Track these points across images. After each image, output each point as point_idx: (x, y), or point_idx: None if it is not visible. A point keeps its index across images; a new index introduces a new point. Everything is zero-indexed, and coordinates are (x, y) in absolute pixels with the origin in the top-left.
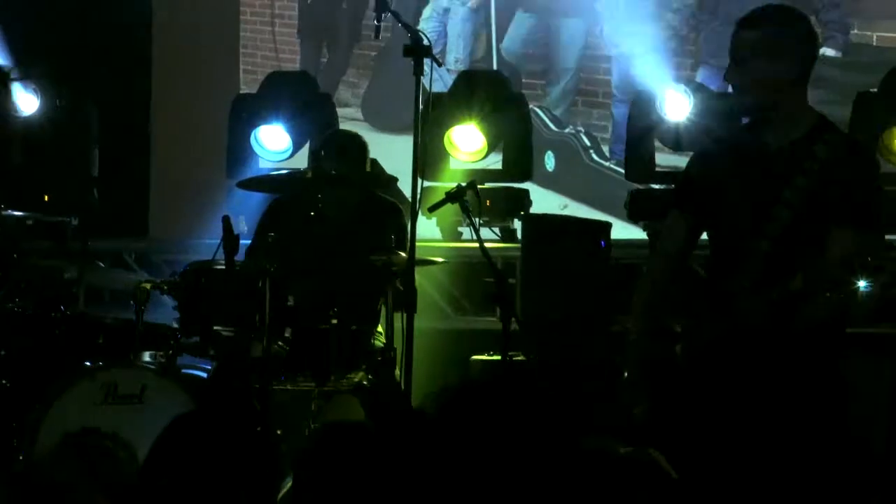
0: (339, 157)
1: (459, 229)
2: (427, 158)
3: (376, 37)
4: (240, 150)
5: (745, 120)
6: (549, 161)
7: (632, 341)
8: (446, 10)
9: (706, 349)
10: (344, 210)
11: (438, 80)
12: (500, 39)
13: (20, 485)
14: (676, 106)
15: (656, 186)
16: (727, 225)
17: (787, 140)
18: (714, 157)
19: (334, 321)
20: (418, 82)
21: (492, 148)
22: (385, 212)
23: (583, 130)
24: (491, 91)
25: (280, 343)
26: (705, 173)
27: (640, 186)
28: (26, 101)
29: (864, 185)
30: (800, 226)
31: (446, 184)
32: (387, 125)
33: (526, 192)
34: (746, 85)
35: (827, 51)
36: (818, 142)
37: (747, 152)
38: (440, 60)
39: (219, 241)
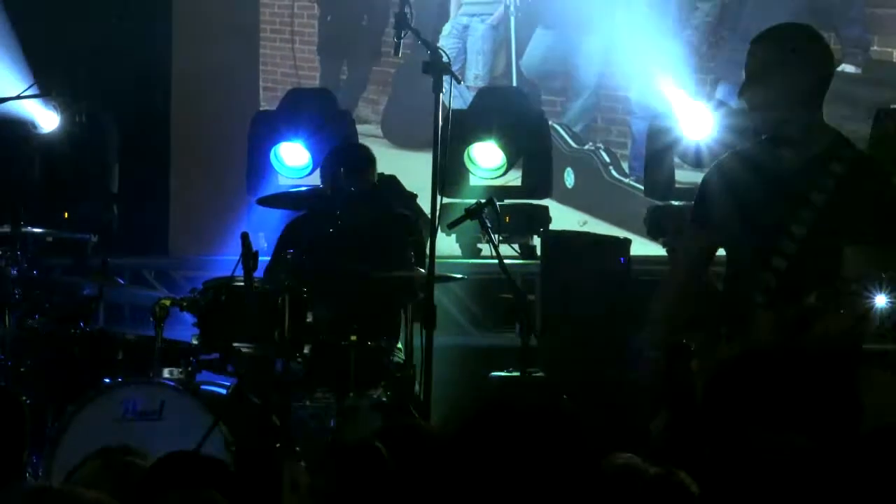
0: (351, 171)
1: (479, 246)
2: (446, 175)
3: (396, 54)
4: (259, 166)
5: (763, 136)
6: (569, 177)
7: (648, 357)
8: (466, 27)
9: (721, 366)
10: (363, 227)
11: (458, 96)
12: (519, 56)
13: (43, 499)
14: (696, 123)
15: (676, 203)
16: (743, 241)
17: (803, 157)
18: (731, 172)
19: (354, 337)
20: (438, 99)
21: (511, 164)
22: (404, 228)
23: (602, 147)
24: (510, 108)
25: (299, 359)
26: (722, 189)
27: (660, 203)
28: (46, 119)
29: (880, 202)
30: (816, 243)
31: (466, 200)
32: (406, 142)
33: (545, 208)
34: (760, 102)
35: (846, 67)
36: (834, 159)
37: (764, 169)
38: (459, 77)
39: (238, 257)
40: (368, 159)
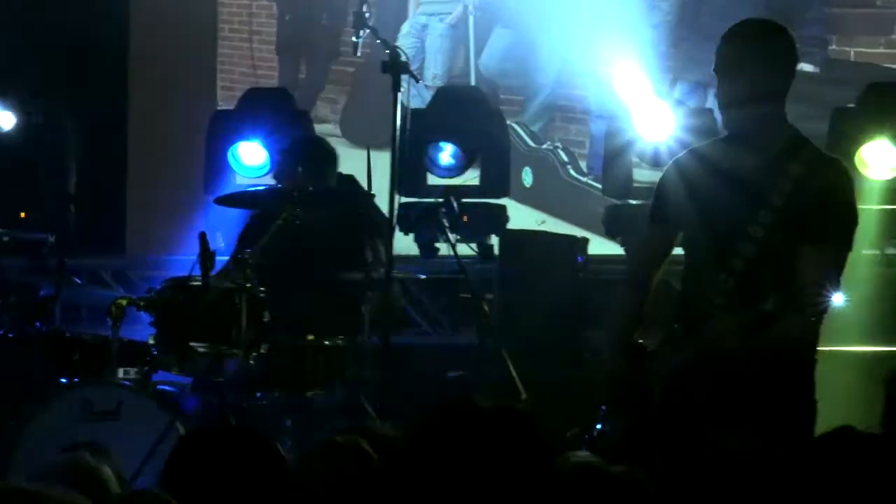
0: (312, 168)
1: (437, 245)
2: (405, 174)
3: (355, 53)
4: (217, 166)
5: (723, 133)
6: (527, 177)
7: (603, 359)
8: (424, 27)
9: (678, 368)
10: (321, 225)
11: (416, 95)
12: (477, 55)
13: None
14: (655, 122)
15: (634, 202)
16: (701, 241)
17: (762, 157)
18: (689, 171)
19: (311, 337)
20: (396, 98)
21: (469, 164)
22: (362, 227)
23: (560, 146)
24: (469, 107)
25: (256, 358)
26: (680, 188)
27: (618, 202)
28: (3, 118)
29: (838, 202)
30: (774, 243)
31: (424, 199)
32: (365, 141)
33: (503, 207)
34: (732, 99)
35: (805, 66)
36: (793, 158)
37: (723, 168)
38: (418, 76)
39: (195, 257)
40: (329, 156)
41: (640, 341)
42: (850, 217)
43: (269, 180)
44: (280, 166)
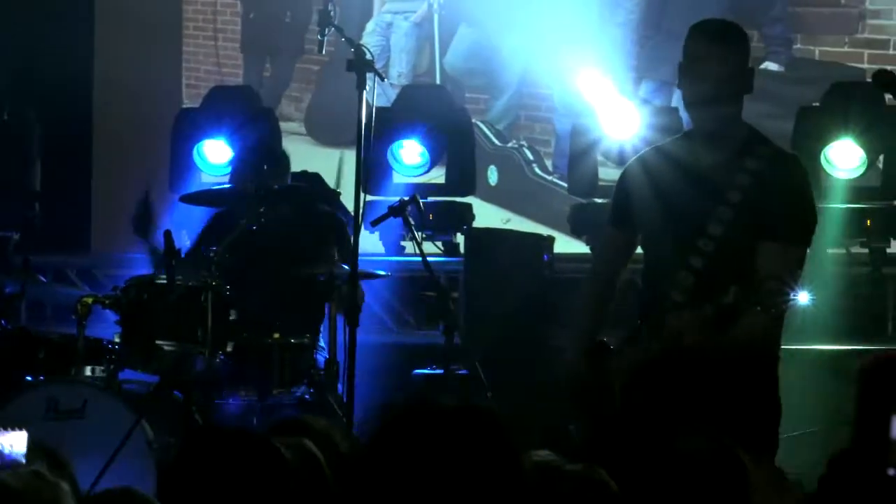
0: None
1: (402, 243)
2: (370, 172)
3: (320, 51)
4: (182, 164)
5: (683, 132)
6: (492, 175)
7: (566, 358)
8: (389, 25)
9: (639, 366)
10: (286, 224)
11: (382, 94)
12: (443, 54)
13: None
14: (620, 121)
15: (599, 200)
16: (662, 239)
17: (722, 154)
18: (653, 168)
19: (276, 335)
20: (361, 96)
21: (435, 162)
22: (327, 225)
23: (526, 145)
24: (434, 105)
25: (222, 357)
26: (643, 184)
27: (583, 200)
28: None
29: (795, 198)
30: (733, 241)
31: (389, 198)
32: (330, 139)
33: (469, 206)
34: (698, 97)
35: (770, 65)
36: (750, 155)
37: (684, 166)
38: (383, 75)
39: (160, 255)
40: (286, 157)
41: (604, 339)
42: (808, 213)
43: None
44: (239, 166)
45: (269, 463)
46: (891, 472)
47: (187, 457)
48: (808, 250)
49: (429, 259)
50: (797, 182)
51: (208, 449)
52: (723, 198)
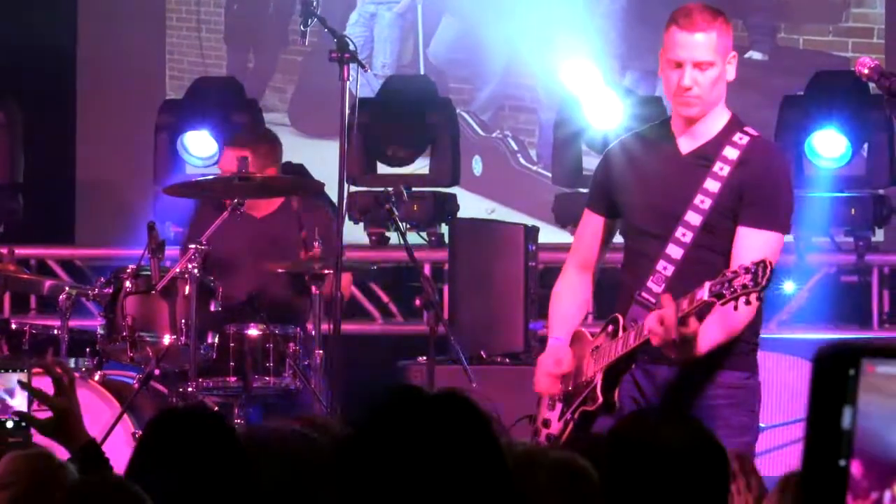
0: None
1: (387, 234)
2: (354, 163)
3: (303, 42)
4: (166, 155)
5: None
6: (477, 165)
7: (546, 348)
8: (373, 15)
9: (618, 357)
10: (270, 214)
11: (365, 84)
12: (426, 44)
13: None
14: (604, 111)
15: (584, 190)
16: (638, 228)
17: (699, 142)
18: (627, 157)
19: (260, 325)
20: (344, 87)
21: (419, 153)
22: (311, 216)
23: (510, 135)
24: (418, 96)
25: (206, 347)
26: (617, 174)
27: (568, 190)
28: None
29: (773, 186)
30: (712, 228)
31: (373, 188)
32: (314, 130)
33: (453, 196)
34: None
35: (754, 54)
36: (728, 143)
37: (662, 153)
38: (367, 65)
39: (144, 247)
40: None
41: (582, 329)
42: (786, 200)
43: (218, 170)
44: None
45: (221, 440)
46: (842, 463)
47: (147, 436)
48: (785, 237)
49: (413, 250)
50: (776, 169)
51: (166, 428)
52: (700, 186)
